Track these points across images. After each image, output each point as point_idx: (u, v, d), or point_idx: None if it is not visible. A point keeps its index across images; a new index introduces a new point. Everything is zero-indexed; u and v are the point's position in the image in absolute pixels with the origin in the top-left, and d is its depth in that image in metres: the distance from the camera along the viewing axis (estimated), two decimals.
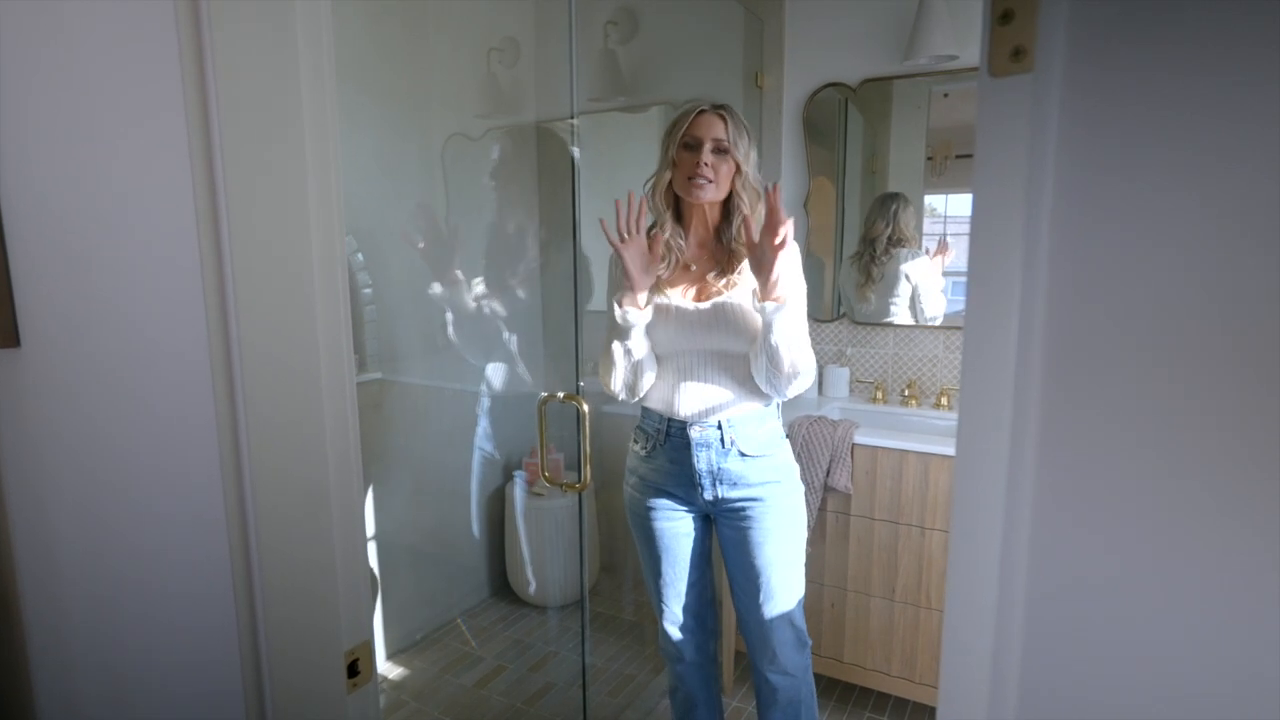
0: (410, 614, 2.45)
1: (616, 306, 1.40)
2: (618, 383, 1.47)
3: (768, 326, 1.31)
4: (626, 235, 1.36)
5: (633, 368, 1.44)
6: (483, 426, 2.58)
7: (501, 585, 2.75)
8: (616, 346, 1.42)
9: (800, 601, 1.52)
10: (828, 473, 1.94)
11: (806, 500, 1.97)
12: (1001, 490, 0.40)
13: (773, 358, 1.33)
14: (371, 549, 2.27)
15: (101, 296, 0.73)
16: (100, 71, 0.67)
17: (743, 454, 1.43)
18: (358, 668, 0.81)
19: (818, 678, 2.16)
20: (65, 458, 0.80)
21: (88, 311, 0.75)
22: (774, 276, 1.27)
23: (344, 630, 0.79)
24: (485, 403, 2.57)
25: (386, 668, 2.33)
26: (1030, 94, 0.36)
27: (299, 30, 0.68)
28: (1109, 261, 0.37)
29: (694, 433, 1.42)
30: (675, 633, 1.58)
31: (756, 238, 1.29)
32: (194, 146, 0.62)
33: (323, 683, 0.77)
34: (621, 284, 1.42)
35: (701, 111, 1.38)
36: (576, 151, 2.19)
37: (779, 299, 1.29)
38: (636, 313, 1.38)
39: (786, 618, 1.49)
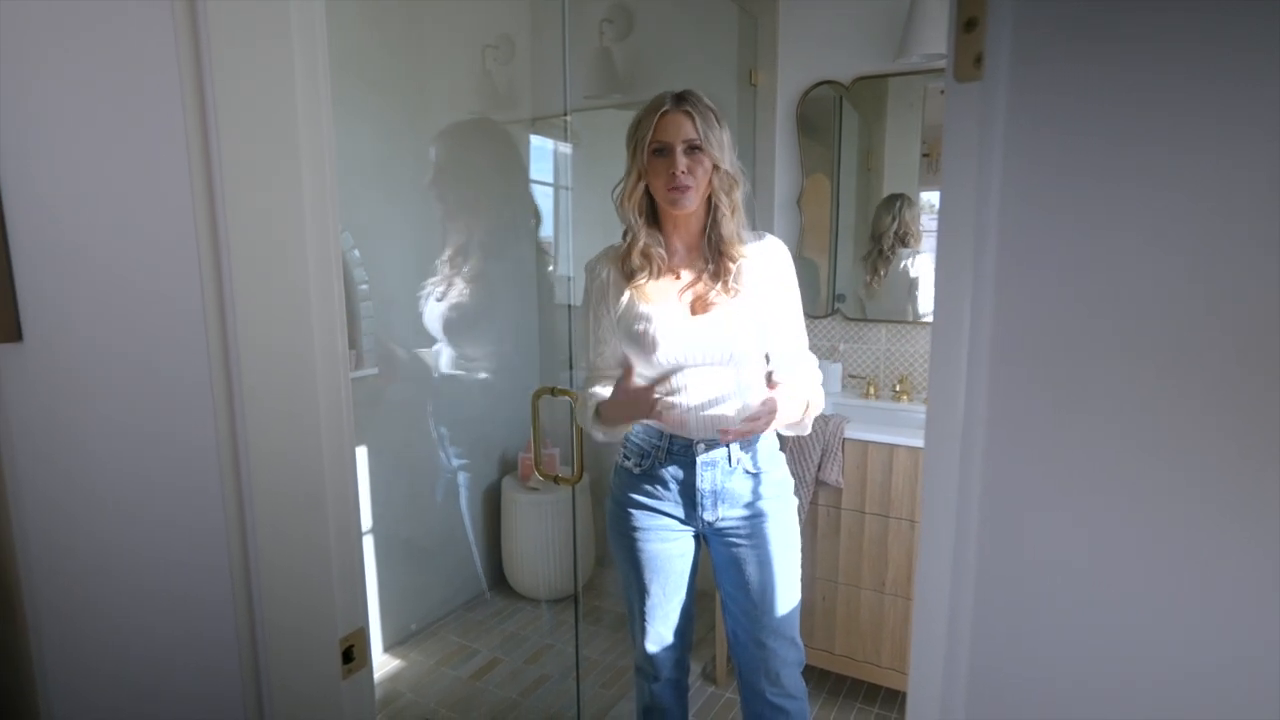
0: (406, 607, 2.48)
1: (593, 405, 1.38)
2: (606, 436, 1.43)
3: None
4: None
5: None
6: (438, 430, 2.51)
7: (498, 579, 2.77)
8: (597, 429, 1.41)
9: (798, 615, 1.46)
10: (819, 467, 1.96)
11: (799, 495, 1.99)
12: (955, 473, 0.42)
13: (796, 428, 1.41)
14: (369, 542, 2.29)
15: (101, 291, 0.75)
16: (100, 70, 0.69)
17: (748, 471, 1.36)
18: (352, 654, 0.83)
19: (809, 669, 2.19)
20: (67, 447, 0.82)
21: (88, 306, 0.76)
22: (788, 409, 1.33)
23: (339, 617, 0.81)
24: (436, 396, 2.50)
25: (384, 660, 2.36)
26: (980, 99, 0.39)
27: (294, 28, 0.69)
28: (1052, 255, 0.40)
29: (700, 451, 1.34)
30: (658, 651, 1.49)
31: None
32: (191, 144, 0.63)
33: (318, 668, 0.79)
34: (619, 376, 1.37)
35: (665, 113, 1.26)
36: (532, 143, 2.13)
37: (795, 421, 1.37)
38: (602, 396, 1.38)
39: (790, 638, 1.43)
